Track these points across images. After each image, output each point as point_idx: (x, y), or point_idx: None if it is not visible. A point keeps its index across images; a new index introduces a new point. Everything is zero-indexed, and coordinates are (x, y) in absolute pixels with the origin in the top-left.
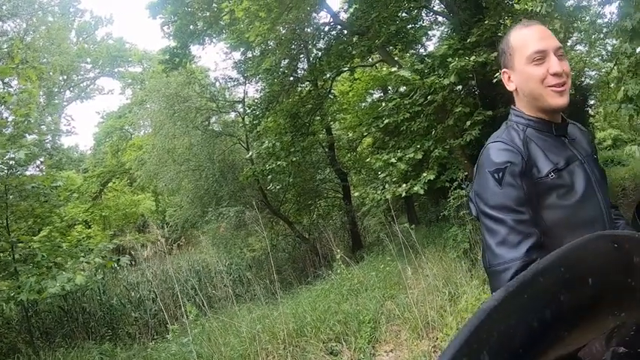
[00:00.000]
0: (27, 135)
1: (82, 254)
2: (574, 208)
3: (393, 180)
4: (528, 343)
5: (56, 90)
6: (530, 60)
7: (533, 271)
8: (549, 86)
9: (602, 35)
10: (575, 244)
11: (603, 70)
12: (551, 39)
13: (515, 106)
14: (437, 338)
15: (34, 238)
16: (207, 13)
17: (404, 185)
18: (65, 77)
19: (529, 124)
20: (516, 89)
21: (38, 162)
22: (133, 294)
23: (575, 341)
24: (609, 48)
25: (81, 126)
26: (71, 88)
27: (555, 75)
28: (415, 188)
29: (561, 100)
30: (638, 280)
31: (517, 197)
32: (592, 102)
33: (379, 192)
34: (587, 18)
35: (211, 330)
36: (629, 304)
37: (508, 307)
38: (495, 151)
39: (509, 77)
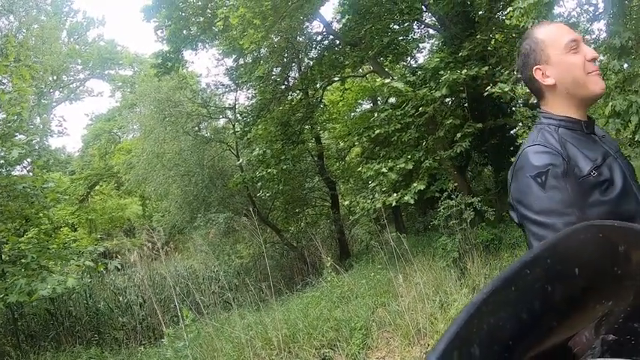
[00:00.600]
0: (18, 134)
1: (73, 257)
2: (615, 203)
3: (383, 189)
4: (518, 334)
5: (45, 90)
6: (568, 49)
7: (520, 264)
8: (589, 72)
9: None
10: (561, 235)
11: None
12: (575, 32)
13: (540, 108)
14: (428, 345)
15: (21, 239)
16: (201, 19)
17: (394, 195)
18: (55, 78)
19: (560, 125)
20: (555, 84)
21: (25, 162)
22: (120, 299)
23: (565, 331)
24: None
25: (69, 128)
26: (60, 89)
27: (593, 60)
28: (405, 198)
29: (601, 85)
30: (624, 268)
31: (562, 199)
32: None
33: (369, 201)
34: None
35: (204, 335)
36: (616, 292)
37: (497, 300)
38: (534, 155)
39: (543, 73)
